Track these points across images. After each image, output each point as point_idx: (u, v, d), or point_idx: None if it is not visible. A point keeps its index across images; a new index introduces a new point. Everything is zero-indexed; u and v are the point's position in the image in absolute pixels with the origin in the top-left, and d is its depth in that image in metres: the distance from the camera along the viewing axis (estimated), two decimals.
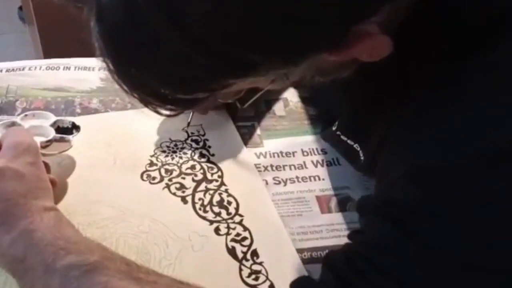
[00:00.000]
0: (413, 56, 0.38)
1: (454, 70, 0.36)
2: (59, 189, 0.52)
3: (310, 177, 0.60)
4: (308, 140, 0.64)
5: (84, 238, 0.44)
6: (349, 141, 0.53)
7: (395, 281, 0.34)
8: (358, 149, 0.52)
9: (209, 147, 0.62)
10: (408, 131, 0.38)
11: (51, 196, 0.48)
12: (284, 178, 0.59)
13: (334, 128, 0.56)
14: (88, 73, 0.72)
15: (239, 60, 0.31)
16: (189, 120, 0.63)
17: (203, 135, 0.64)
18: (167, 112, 0.39)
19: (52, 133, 0.56)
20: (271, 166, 0.61)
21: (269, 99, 0.69)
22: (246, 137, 0.64)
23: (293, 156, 0.62)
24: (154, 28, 0.30)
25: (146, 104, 0.37)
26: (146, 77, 0.34)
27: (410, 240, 0.34)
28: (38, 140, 0.53)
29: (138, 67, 0.33)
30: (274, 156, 0.62)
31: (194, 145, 0.62)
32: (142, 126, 0.64)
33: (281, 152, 0.62)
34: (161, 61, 0.32)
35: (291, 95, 0.71)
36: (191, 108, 0.37)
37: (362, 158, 0.51)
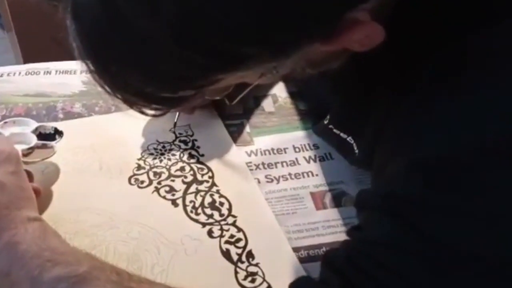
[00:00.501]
0: (406, 43, 0.37)
1: (451, 56, 0.35)
2: (43, 198, 0.51)
3: (303, 173, 0.58)
4: (299, 135, 0.63)
5: (71, 248, 0.42)
6: (342, 135, 0.52)
7: (398, 277, 0.33)
8: (352, 142, 0.50)
9: (198, 147, 0.60)
10: (407, 123, 0.37)
11: (35, 206, 0.47)
12: (277, 175, 0.58)
13: (326, 122, 0.54)
14: (69, 76, 0.70)
15: (229, 54, 0.30)
16: (175, 120, 0.62)
17: (192, 135, 0.62)
18: (153, 112, 0.37)
19: (34, 140, 0.54)
20: (263, 164, 0.59)
21: (258, 96, 0.68)
22: (236, 135, 0.63)
23: (285, 152, 0.61)
24: (135, 23, 0.29)
25: (131, 104, 0.35)
26: (128, 76, 0.32)
27: (411, 234, 0.33)
28: (20, 147, 0.51)
29: (119, 65, 0.31)
30: (265, 154, 0.60)
31: (182, 146, 0.60)
32: (127, 129, 0.62)
33: (272, 149, 0.61)
34: (143, 58, 0.30)
35: (279, 91, 0.69)
36: (178, 107, 0.36)
37: (356, 151, 0.50)
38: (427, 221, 0.33)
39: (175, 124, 0.62)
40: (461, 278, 0.33)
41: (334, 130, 0.53)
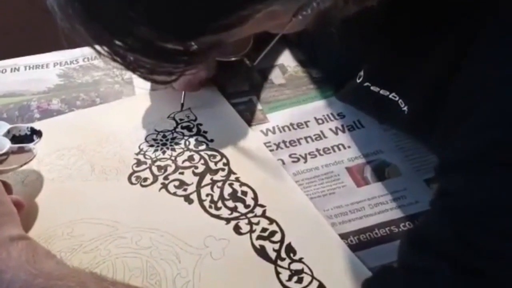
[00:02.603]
0: None
1: None
2: (27, 212, 0.42)
3: (332, 147, 0.50)
4: (319, 105, 0.54)
5: (72, 270, 0.35)
6: (382, 92, 0.43)
7: None
8: (397, 98, 0.42)
9: (205, 132, 0.51)
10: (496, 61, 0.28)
11: (18, 222, 0.39)
12: (303, 153, 0.49)
13: (359, 80, 0.45)
14: (41, 71, 0.61)
15: None
16: (182, 101, 0.53)
17: (195, 120, 0.53)
18: (160, 78, 0.28)
19: (7, 144, 0.44)
20: (284, 142, 0.50)
21: (263, 68, 0.59)
22: (247, 114, 0.54)
23: (307, 126, 0.52)
24: None
25: (133, 68, 0.27)
26: (131, 19, 0.23)
27: None
28: None
29: (118, 4, 0.23)
30: (284, 130, 0.52)
31: (186, 132, 0.51)
32: (118, 122, 0.53)
33: (292, 124, 0.52)
34: None
35: (287, 60, 0.61)
36: (189, 67, 0.28)
37: (404, 108, 0.41)
38: None
39: (182, 105, 0.53)
40: None
41: (372, 88, 0.44)
